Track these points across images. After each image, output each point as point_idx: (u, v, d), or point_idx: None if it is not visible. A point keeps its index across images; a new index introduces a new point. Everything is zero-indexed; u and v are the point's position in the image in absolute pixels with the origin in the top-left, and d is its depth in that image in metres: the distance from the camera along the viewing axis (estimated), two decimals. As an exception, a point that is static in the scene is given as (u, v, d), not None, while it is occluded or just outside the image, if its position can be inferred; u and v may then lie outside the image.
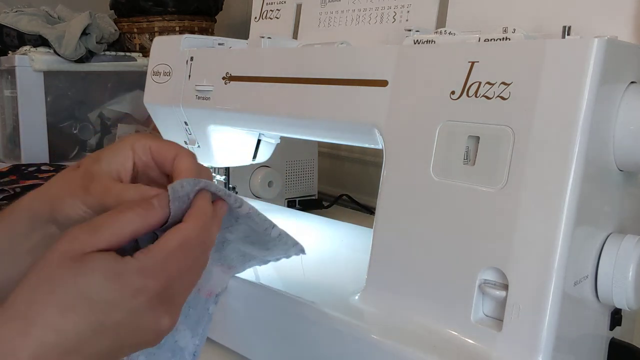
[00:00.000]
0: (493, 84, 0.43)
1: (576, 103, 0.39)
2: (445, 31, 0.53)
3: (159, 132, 0.78)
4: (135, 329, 0.34)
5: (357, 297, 0.51)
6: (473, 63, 0.44)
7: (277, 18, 0.76)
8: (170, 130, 0.76)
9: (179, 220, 0.36)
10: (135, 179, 0.41)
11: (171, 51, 0.72)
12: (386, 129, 0.49)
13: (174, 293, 0.36)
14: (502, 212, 0.42)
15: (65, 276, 0.33)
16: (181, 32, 1.40)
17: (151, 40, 1.11)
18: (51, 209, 0.40)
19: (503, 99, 0.42)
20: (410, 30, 0.56)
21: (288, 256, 0.49)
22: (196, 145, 0.73)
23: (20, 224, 0.41)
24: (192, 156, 0.40)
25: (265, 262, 0.51)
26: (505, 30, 0.46)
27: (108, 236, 0.34)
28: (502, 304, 0.42)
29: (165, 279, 0.34)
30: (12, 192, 0.99)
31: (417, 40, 0.51)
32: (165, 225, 0.36)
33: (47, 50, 1.27)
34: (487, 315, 0.44)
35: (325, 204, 1.14)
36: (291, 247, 0.47)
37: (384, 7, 0.65)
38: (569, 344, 0.42)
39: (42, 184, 0.41)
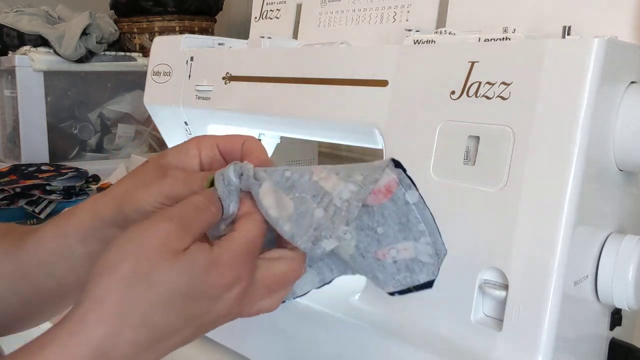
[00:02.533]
0: (493, 84, 0.43)
1: (576, 103, 0.39)
2: (445, 31, 0.53)
3: (159, 132, 0.79)
4: (220, 316, 0.35)
5: (357, 297, 0.51)
6: (473, 63, 0.44)
7: (277, 18, 0.76)
8: (170, 130, 0.76)
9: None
10: None
11: (171, 51, 0.72)
12: (386, 129, 0.49)
13: (266, 281, 0.36)
14: (502, 212, 0.42)
15: (165, 271, 0.32)
16: (181, 32, 1.40)
17: (151, 40, 1.11)
18: (117, 207, 0.39)
19: (503, 99, 0.42)
20: (410, 30, 0.56)
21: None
22: (196, 145, 0.73)
23: (79, 227, 0.40)
24: (259, 141, 0.41)
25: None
26: (505, 30, 0.46)
27: (197, 233, 0.34)
28: (502, 304, 0.42)
29: (250, 267, 0.35)
30: (12, 192, 0.99)
31: (417, 40, 0.51)
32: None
33: (47, 50, 1.27)
34: (487, 315, 0.44)
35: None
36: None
37: (384, 7, 0.65)
38: (569, 344, 0.42)
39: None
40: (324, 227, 0.34)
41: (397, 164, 0.36)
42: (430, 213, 0.37)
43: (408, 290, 0.38)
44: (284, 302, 0.41)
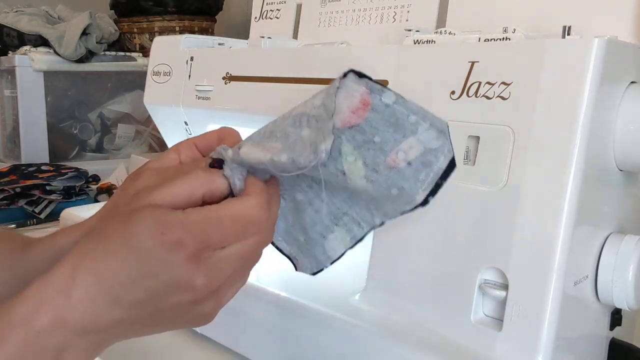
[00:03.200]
0: (493, 84, 0.43)
1: (576, 103, 0.39)
2: (445, 31, 0.53)
3: (159, 132, 0.79)
4: (170, 283, 0.33)
5: (357, 297, 0.51)
6: (473, 63, 0.44)
7: (277, 18, 0.76)
8: (170, 130, 0.76)
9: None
10: None
11: (171, 51, 0.72)
12: (386, 129, 0.49)
13: (215, 259, 0.35)
14: (502, 212, 0.42)
15: (115, 225, 0.34)
16: (181, 32, 1.40)
17: (151, 40, 1.11)
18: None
19: (503, 99, 0.42)
20: (410, 30, 0.56)
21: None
22: (196, 145, 0.73)
23: (71, 238, 0.41)
24: (232, 128, 0.41)
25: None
26: (505, 30, 0.46)
27: (164, 195, 0.34)
28: (502, 304, 0.42)
29: (204, 239, 0.34)
30: (12, 192, 0.99)
31: (417, 40, 0.51)
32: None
33: (47, 50, 1.27)
34: (487, 315, 0.44)
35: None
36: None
37: (384, 7, 0.65)
38: (569, 344, 0.42)
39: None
40: (315, 136, 0.35)
41: (360, 75, 0.36)
42: (413, 102, 0.36)
43: (437, 187, 0.37)
44: (319, 270, 0.41)
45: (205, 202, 0.35)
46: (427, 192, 0.37)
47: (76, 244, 0.34)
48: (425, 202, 0.37)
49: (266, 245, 0.38)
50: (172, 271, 0.33)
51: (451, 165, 0.37)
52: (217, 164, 0.37)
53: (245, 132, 0.72)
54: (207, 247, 0.34)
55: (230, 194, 0.36)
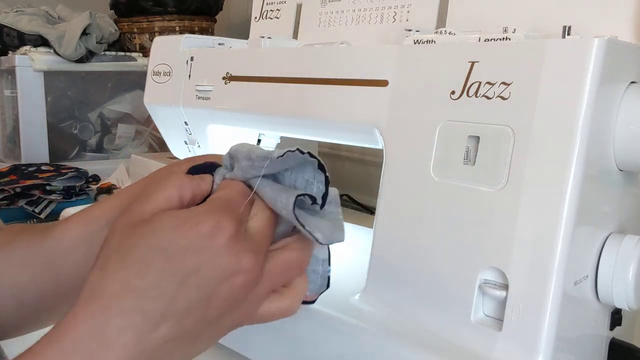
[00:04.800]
0: (493, 84, 0.43)
1: (576, 103, 0.39)
2: (445, 31, 0.53)
3: (159, 132, 0.79)
4: (218, 273, 0.31)
5: (357, 297, 0.51)
6: (473, 63, 0.44)
7: (277, 18, 0.76)
8: (170, 130, 0.76)
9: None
10: None
11: (171, 51, 0.72)
12: (386, 129, 0.49)
13: (250, 234, 0.34)
14: (502, 212, 0.42)
15: (133, 239, 0.31)
16: (181, 32, 1.40)
17: (151, 40, 1.11)
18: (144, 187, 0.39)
19: (503, 99, 0.42)
20: (410, 30, 0.56)
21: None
22: (196, 145, 0.73)
23: (105, 212, 0.40)
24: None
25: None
26: (505, 30, 0.46)
27: (160, 202, 0.33)
28: (502, 304, 0.42)
29: (236, 214, 0.33)
30: (12, 192, 0.99)
31: (417, 40, 0.51)
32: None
33: (47, 50, 1.27)
34: (487, 315, 0.44)
35: (326, 204, 1.14)
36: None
37: (384, 7, 0.65)
38: (569, 344, 0.42)
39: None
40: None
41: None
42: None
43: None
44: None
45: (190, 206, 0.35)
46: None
47: (94, 267, 0.32)
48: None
49: (274, 224, 0.37)
50: (216, 259, 0.31)
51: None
52: (194, 172, 0.38)
53: (245, 132, 0.72)
54: (240, 223, 0.33)
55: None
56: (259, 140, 0.75)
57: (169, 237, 0.31)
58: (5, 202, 0.99)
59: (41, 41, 1.27)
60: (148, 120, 1.43)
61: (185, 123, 0.72)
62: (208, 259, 0.31)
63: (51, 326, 0.31)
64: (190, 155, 0.66)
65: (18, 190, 0.99)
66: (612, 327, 0.47)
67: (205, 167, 0.39)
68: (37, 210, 0.99)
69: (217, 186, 0.37)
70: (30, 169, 1.12)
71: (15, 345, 0.39)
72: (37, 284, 0.41)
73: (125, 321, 0.29)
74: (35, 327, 0.44)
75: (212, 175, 0.38)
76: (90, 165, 1.20)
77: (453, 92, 0.45)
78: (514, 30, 0.46)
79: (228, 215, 0.32)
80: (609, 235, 0.44)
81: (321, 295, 0.49)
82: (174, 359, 0.32)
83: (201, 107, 0.67)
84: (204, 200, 0.36)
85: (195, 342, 0.33)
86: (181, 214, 0.32)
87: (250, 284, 0.33)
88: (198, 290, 0.31)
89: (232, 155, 0.38)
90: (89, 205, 0.43)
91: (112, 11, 1.45)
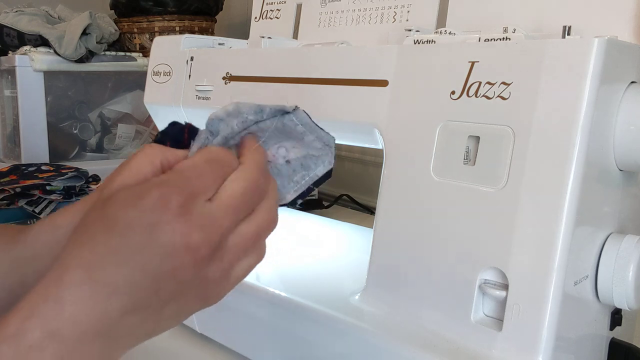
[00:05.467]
0: (493, 84, 0.43)
1: (576, 103, 0.39)
2: (445, 31, 0.53)
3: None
4: (164, 249, 0.30)
5: (357, 297, 0.51)
6: (473, 63, 0.44)
7: (277, 18, 0.76)
8: (170, 130, 0.76)
9: None
10: None
11: (171, 51, 0.72)
12: (386, 129, 0.49)
13: (207, 210, 0.32)
14: (502, 212, 0.42)
15: (91, 216, 0.31)
16: (181, 32, 1.40)
17: (151, 40, 1.11)
18: (101, 191, 0.39)
19: (503, 99, 0.42)
20: (410, 30, 0.56)
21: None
22: (196, 145, 0.73)
23: (71, 217, 0.40)
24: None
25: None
26: (505, 30, 0.46)
27: (128, 172, 0.33)
28: (502, 304, 0.42)
29: (187, 188, 0.31)
30: (12, 192, 0.99)
31: (417, 40, 0.51)
32: None
33: (48, 50, 1.27)
34: (487, 315, 0.44)
35: (326, 204, 1.14)
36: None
37: (384, 7, 0.65)
38: (569, 344, 0.42)
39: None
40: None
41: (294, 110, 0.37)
42: (305, 117, 0.38)
43: (308, 190, 0.38)
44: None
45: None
46: (298, 193, 0.38)
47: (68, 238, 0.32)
48: (293, 203, 0.38)
49: (256, 191, 0.35)
50: (162, 234, 0.30)
51: (327, 175, 0.38)
52: (161, 136, 0.36)
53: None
54: (193, 196, 0.31)
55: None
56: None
57: (117, 213, 0.30)
58: (5, 202, 0.99)
59: (41, 41, 1.27)
60: (148, 120, 1.43)
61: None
62: (150, 236, 0.30)
63: None
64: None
65: (18, 190, 0.99)
66: (612, 327, 0.47)
67: (183, 131, 0.36)
68: (37, 210, 0.99)
69: (191, 152, 0.35)
70: (30, 169, 1.11)
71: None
72: (6, 287, 0.41)
73: (79, 291, 0.29)
74: None
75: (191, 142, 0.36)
76: (90, 165, 1.20)
77: (453, 92, 0.45)
78: (514, 30, 0.46)
79: (176, 187, 0.31)
80: (609, 235, 0.44)
81: (321, 296, 0.49)
82: (137, 334, 0.32)
83: (201, 107, 0.67)
84: None
85: (157, 318, 0.32)
86: (134, 188, 0.31)
87: (200, 262, 0.31)
88: (143, 267, 0.30)
89: (219, 117, 0.37)
90: (58, 210, 0.43)
91: (112, 11, 1.45)
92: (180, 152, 0.35)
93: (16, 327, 0.29)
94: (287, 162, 0.38)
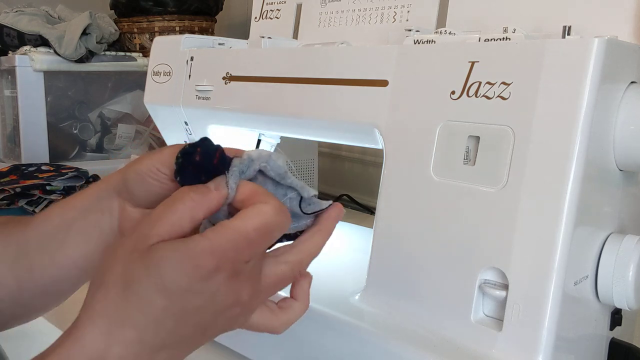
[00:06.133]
0: (493, 84, 0.43)
1: (576, 103, 0.39)
2: (445, 31, 0.53)
3: (159, 132, 0.79)
4: (217, 308, 0.33)
5: (357, 297, 0.51)
6: (473, 63, 0.44)
7: (277, 18, 0.76)
8: (171, 131, 0.76)
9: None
10: None
11: (171, 51, 0.72)
12: (386, 129, 0.49)
13: (250, 268, 0.34)
14: (502, 212, 0.42)
15: (136, 271, 0.32)
16: (181, 32, 1.40)
17: (151, 40, 1.11)
18: (122, 174, 0.40)
19: (503, 99, 0.42)
20: (410, 30, 0.56)
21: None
22: (196, 145, 0.73)
23: (84, 199, 0.41)
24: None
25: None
26: (505, 30, 0.46)
27: (168, 226, 0.33)
28: (502, 304, 0.42)
29: (238, 257, 0.33)
30: (12, 192, 0.99)
31: (417, 40, 0.51)
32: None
33: (48, 50, 1.27)
34: (487, 315, 0.44)
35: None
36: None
37: (384, 7, 0.65)
38: (569, 344, 0.42)
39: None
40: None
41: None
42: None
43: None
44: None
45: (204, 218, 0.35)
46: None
47: (97, 285, 0.32)
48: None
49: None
50: (216, 297, 0.33)
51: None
52: (190, 150, 0.35)
53: (245, 132, 0.72)
54: (242, 262, 0.33)
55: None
56: (259, 141, 0.75)
57: (169, 276, 0.31)
58: (5, 202, 0.99)
59: (41, 41, 1.27)
60: (148, 120, 1.43)
61: (186, 123, 0.72)
62: (207, 299, 0.32)
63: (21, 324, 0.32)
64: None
65: (18, 190, 0.99)
66: (612, 327, 0.47)
67: (212, 163, 0.35)
68: (37, 210, 0.99)
69: (233, 191, 0.35)
70: (30, 169, 1.11)
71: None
72: (14, 275, 0.41)
73: (126, 350, 0.31)
74: (16, 323, 0.44)
75: (225, 174, 0.35)
76: (90, 165, 1.20)
77: (453, 92, 0.45)
78: (514, 30, 0.46)
79: (229, 257, 0.32)
80: (609, 235, 0.44)
81: (321, 296, 0.49)
82: None
83: (201, 107, 0.67)
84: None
85: (193, 347, 0.35)
86: (183, 251, 0.32)
87: (247, 310, 0.36)
88: (196, 325, 0.33)
89: (252, 158, 0.37)
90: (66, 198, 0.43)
91: (112, 11, 1.45)
92: (217, 200, 0.35)
93: None
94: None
